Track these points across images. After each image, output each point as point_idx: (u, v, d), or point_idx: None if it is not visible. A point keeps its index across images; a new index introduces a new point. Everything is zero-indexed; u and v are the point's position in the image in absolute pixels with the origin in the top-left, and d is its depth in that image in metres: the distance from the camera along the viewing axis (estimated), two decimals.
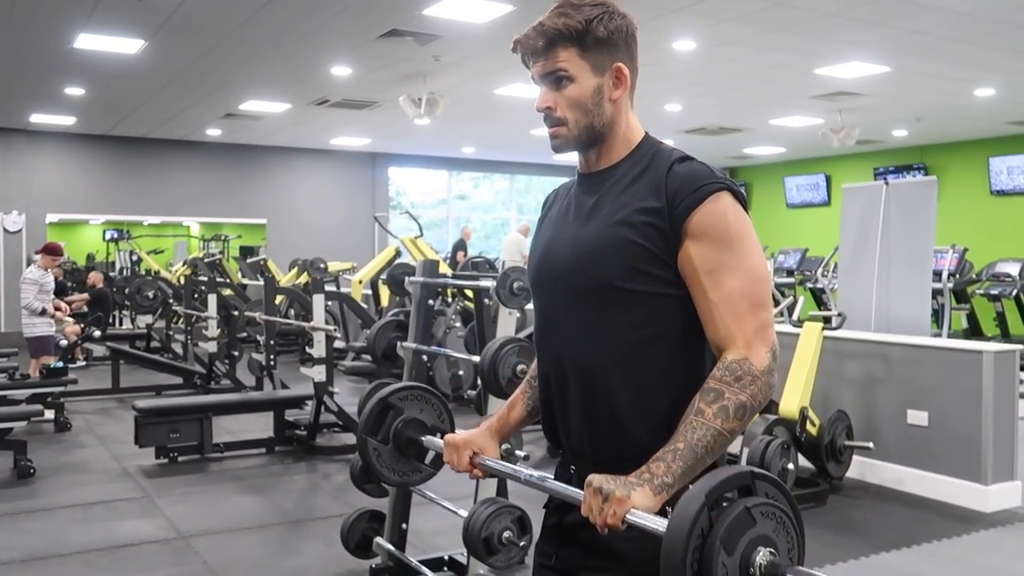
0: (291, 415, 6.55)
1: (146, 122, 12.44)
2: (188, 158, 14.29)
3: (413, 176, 17.59)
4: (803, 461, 5.19)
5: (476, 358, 3.24)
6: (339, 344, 9.78)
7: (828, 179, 15.81)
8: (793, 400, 5.13)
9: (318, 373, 6.06)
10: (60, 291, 10.69)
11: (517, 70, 1.61)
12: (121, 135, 13.58)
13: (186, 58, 8.54)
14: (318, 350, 6.13)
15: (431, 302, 3.72)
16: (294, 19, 7.16)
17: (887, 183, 6.09)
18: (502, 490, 3.58)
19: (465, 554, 3.55)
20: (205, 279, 9.59)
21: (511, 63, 1.51)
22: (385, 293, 9.30)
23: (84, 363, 10.26)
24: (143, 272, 14.87)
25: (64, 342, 8.87)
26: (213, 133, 13.47)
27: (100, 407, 7.88)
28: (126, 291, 12.21)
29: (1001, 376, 4.93)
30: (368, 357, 6.15)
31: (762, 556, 1.19)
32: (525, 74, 1.60)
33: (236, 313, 8.70)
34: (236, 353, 8.58)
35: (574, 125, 1.51)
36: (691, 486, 1.26)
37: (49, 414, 6.89)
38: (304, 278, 10.99)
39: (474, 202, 18.70)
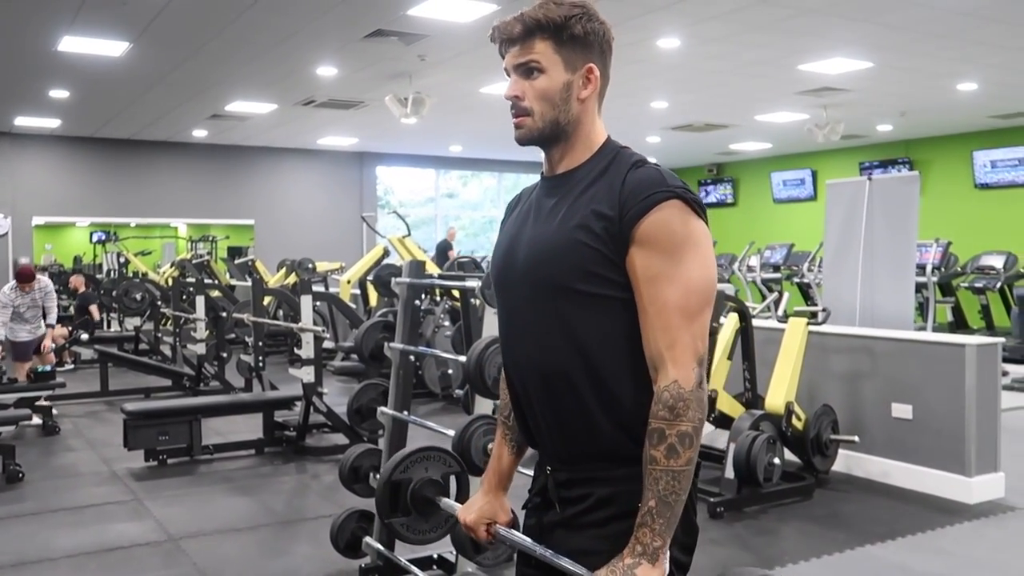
0: (280, 416, 6.55)
1: (132, 124, 12.41)
2: (175, 159, 14.26)
3: (401, 175, 17.60)
4: (789, 455, 5.24)
5: (463, 358, 3.26)
6: (328, 344, 9.80)
7: (814, 174, 15.89)
8: (779, 395, 5.17)
9: (307, 374, 6.06)
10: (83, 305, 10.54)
11: (503, 68, 1.64)
12: (107, 137, 13.55)
13: (171, 60, 8.52)
14: (306, 351, 6.14)
15: (418, 302, 3.73)
16: (279, 20, 7.16)
17: (870, 179, 6.14)
18: None
19: (453, 552, 3.58)
20: (193, 281, 9.57)
21: (497, 62, 1.53)
22: (374, 293, 9.31)
23: (72, 366, 10.23)
24: (130, 274, 14.84)
25: (51, 345, 8.86)
26: (199, 134, 13.45)
27: (89, 410, 7.87)
28: (113, 293, 12.19)
29: (983, 369, 4.98)
30: (357, 357, 6.15)
31: None
32: None
33: (224, 315, 8.69)
34: (225, 355, 8.57)
35: (539, 117, 1.53)
36: None
37: (37, 418, 6.88)
38: (292, 279, 10.98)
39: (462, 200, 18.72)
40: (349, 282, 10.51)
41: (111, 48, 7.98)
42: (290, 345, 10.11)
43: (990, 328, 10.99)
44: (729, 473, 4.82)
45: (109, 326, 13.60)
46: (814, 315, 5.54)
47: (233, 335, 9.31)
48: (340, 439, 6.19)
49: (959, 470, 4.98)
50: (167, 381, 8.82)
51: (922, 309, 9.94)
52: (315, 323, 6.43)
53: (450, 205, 18.27)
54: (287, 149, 15.03)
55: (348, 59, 8.56)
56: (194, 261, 12.87)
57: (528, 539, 1.63)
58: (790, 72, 9.17)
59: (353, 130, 13.28)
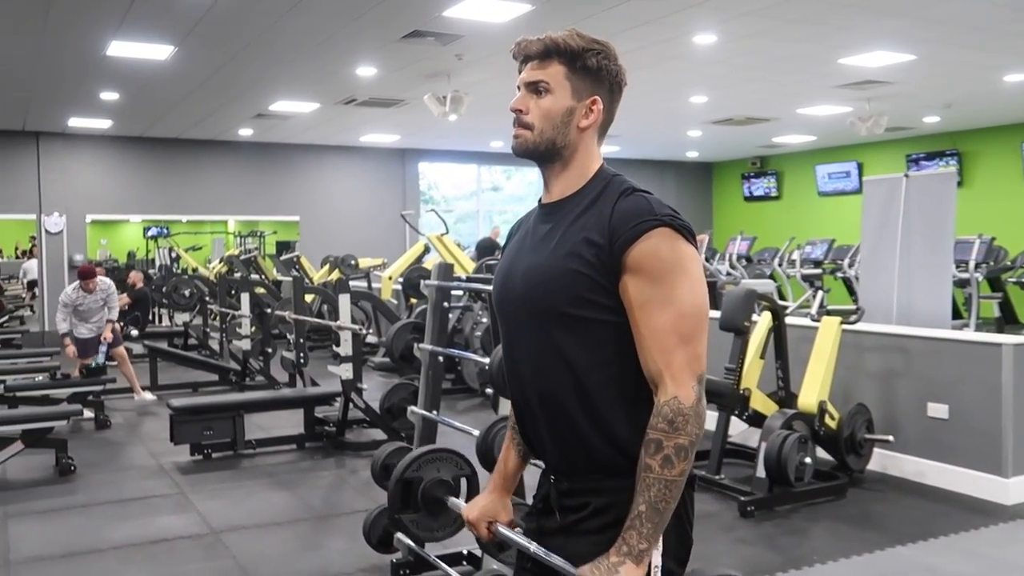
0: (321, 412, 6.70)
1: (179, 123, 12.70)
2: (221, 157, 14.55)
3: (443, 171, 17.73)
4: (823, 454, 5.23)
5: (487, 360, 3.33)
6: (372, 339, 9.96)
7: (860, 167, 15.64)
8: (811, 394, 5.17)
9: (345, 371, 6.19)
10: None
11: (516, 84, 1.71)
12: (156, 136, 13.87)
13: (215, 62, 8.72)
14: (345, 348, 6.26)
15: (446, 303, 3.82)
16: (318, 22, 7.29)
17: (907, 176, 6.07)
18: (519, 490, 3.67)
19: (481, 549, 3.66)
20: (238, 277, 9.77)
21: None
22: None
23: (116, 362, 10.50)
24: (180, 270, 15.19)
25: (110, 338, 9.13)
26: (245, 133, 13.71)
27: (138, 405, 8.11)
28: (163, 289, 12.51)
29: (1021, 368, 4.91)
30: (388, 357, 6.27)
31: None
32: None
33: (268, 311, 8.88)
34: (270, 350, 8.75)
35: (538, 134, 1.61)
36: None
37: (89, 412, 7.12)
38: (336, 275, 11.15)
39: (507, 193, 18.81)
40: (391, 278, 10.64)
41: (157, 52, 8.19)
42: (334, 341, 10.26)
43: None
44: (760, 472, 4.83)
45: (160, 321, 13.96)
46: (849, 314, 5.51)
47: (278, 331, 9.51)
48: (379, 435, 6.30)
49: (995, 471, 4.93)
50: (214, 376, 9.05)
51: (967, 305, 9.77)
52: (355, 320, 6.55)
53: (495, 199, 18.37)
54: (330, 147, 15.24)
55: (387, 59, 8.67)
56: (241, 257, 13.15)
57: (523, 538, 1.71)
58: (830, 66, 9.07)
59: (394, 127, 13.43)
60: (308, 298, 10.47)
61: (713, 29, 7.64)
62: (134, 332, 9.75)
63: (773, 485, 4.80)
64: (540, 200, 1.70)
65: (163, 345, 10.14)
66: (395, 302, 10.52)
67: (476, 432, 3.30)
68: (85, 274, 7.82)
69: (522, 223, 1.76)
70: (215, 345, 10.58)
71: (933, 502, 4.93)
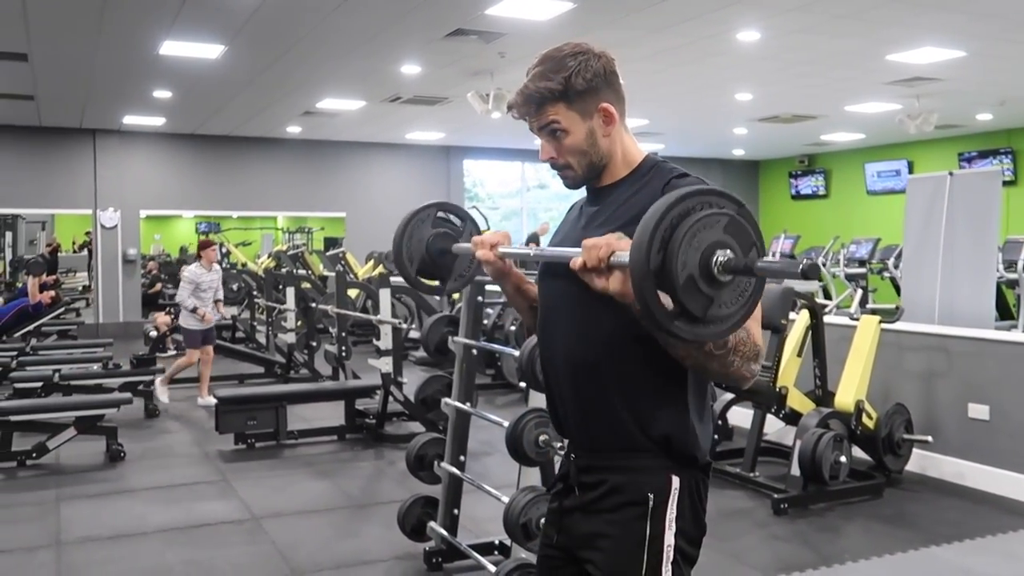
0: (361, 404, 6.82)
1: (230, 121, 12.96)
2: (270, 154, 14.81)
3: (488, 168, 17.82)
4: (861, 454, 5.20)
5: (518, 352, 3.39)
6: (414, 334, 10.08)
7: (910, 165, 15.36)
8: (849, 393, 5.14)
9: (385, 364, 6.30)
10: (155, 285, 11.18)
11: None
12: (207, 134, 14.17)
13: (263, 61, 8.90)
14: (385, 342, 6.37)
15: (480, 297, 3.88)
16: (363, 22, 7.41)
17: (951, 174, 5.99)
18: (546, 479, 3.73)
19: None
20: (284, 272, 9.97)
21: None
22: None
23: (174, 352, 10.78)
24: (230, 264, 15.51)
25: (154, 332, 9.40)
26: (293, 130, 13.94)
27: (187, 395, 8.32)
28: None
29: None
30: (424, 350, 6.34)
31: (721, 255, 1.28)
32: None
33: (313, 305, 9.05)
34: (314, 344, 8.92)
35: (578, 166, 1.70)
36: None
37: (139, 401, 7.34)
38: (380, 270, 11.31)
39: (553, 191, 18.83)
40: None
41: (208, 51, 8.39)
42: (375, 335, 10.42)
43: None
44: (795, 470, 4.82)
45: None
46: (888, 313, 5.46)
47: (322, 325, 9.68)
48: (418, 428, 6.39)
49: None
50: (260, 368, 9.24)
51: (1017, 305, 9.58)
52: (396, 314, 6.66)
53: (541, 196, 18.41)
54: (376, 144, 15.41)
55: (431, 57, 8.77)
56: (289, 252, 13.39)
57: (523, 249, 1.75)
58: (878, 62, 8.95)
59: (439, 125, 13.54)
60: (352, 293, 10.66)
61: (756, 25, 7.59)
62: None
63: (807, 483, 4.78)
64: (590, 185, 1.76)
65: None
66: (437, 298, 10.63)
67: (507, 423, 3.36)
68: (205, 244, 8.10)
69: (575, 205, 1.84)
70: (262, 338, 10.81)
71: (971, 503, 4.87)
